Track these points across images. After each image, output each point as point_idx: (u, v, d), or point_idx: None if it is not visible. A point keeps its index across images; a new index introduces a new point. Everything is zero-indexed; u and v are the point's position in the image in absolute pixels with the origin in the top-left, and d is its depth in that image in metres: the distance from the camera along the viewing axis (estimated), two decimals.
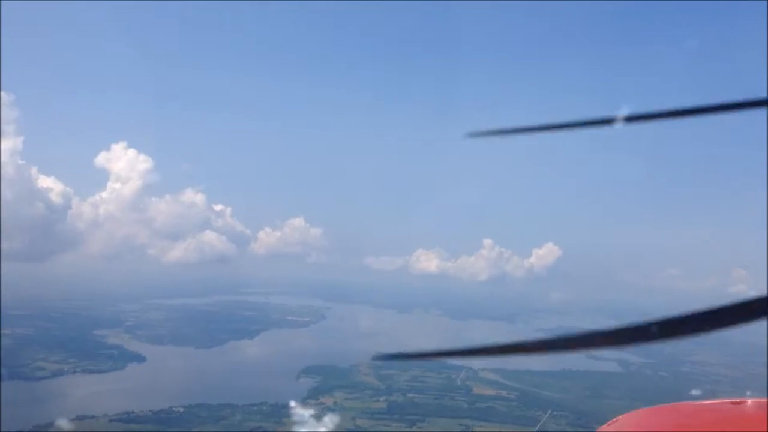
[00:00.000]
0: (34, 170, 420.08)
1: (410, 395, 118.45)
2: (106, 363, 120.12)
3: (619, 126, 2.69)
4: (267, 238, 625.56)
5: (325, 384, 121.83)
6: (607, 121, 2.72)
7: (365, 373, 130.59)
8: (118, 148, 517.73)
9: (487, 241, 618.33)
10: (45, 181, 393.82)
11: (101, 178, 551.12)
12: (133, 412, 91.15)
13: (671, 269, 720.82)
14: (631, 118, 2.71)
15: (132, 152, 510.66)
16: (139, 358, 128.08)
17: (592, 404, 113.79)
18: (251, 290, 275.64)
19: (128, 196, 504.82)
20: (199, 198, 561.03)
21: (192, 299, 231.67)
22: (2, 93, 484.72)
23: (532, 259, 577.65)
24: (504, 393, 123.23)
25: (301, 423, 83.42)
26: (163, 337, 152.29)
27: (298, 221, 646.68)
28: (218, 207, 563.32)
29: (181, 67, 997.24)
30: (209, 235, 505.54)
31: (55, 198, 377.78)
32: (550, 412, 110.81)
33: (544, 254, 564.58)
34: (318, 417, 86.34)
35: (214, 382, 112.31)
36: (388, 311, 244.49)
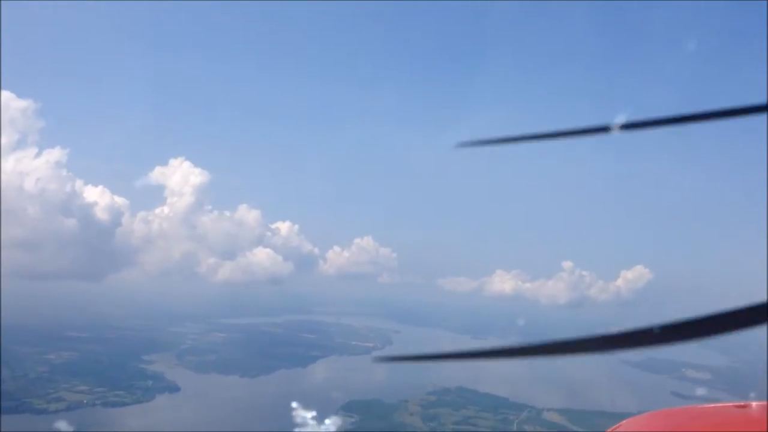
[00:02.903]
0: (79, 183, 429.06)
1: None
2: (136, 394, 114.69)
3: (615, 134, 2.65)
4: (336, 257, 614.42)
5: (362, 425, 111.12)
6: (603, 129, 2.67)
7: (412, 412, 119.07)
8: (177, 163, 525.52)
9: (567, 263, 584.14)
10: (94, 194, 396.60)
11: (159, 193, 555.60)
12: None
13: None
14: (628, 126, 2.65)
15: (193, 168, 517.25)
16: (174, 389, 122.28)
17: None
18: (324, 309, 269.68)
19: (189, 212, 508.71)
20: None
21: (261, 318, 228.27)
22: (29, 101, 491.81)
23: (619, 282, 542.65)
24: None
25: (303, 425, 77.27)
26: (211, 364, 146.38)
27: (367, 240, 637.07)
28: (285, 224, 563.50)
29: (246, 80, 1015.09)
30: (273, 254, 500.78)
31: (109, 213, 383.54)
32: None
33: (633, 277, 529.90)
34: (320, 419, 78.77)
35: (235, 420, 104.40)
36: (460, 336, 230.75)
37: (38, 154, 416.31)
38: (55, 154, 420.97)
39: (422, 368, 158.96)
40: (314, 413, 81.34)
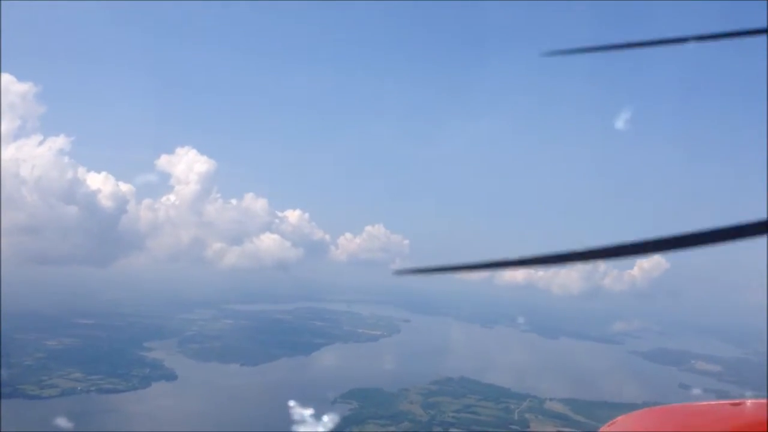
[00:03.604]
0: (83, 170, 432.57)
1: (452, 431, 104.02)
2: (132, 381, 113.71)
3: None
4: (348, 244, 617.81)
5: (361, 412, 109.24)
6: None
7: (412, 401, 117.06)
8: (184, 151, 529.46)
9: None
10: (98, 181, 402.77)
11: (166, 181, 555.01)
12: None
13: None
14: (620, 46, 2.70)
15: (199, 157, 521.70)
16: (171, 377, 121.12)
17: None
18: (335, 297, 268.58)
19: (196, 199, 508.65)
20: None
21: (272, 305, 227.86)
22: (27, 84, 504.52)
23: (635, 272, 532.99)
24: None
25: (301, 422, 77.56)
26: (213, 352, 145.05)
27: (378, 227, 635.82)
28: (296, 212, 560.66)
29: (255, 69, 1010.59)
30: (281, 240, 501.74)
31: (114, 199, 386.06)
32: None
33: (650, 267, 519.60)
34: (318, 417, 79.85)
35: (228, 409, 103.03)
36: (469, 325, 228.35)
37: (42, 142, 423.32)
38: (59, 141, 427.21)
39: (428, 357, 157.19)
40: (312, 411, 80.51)
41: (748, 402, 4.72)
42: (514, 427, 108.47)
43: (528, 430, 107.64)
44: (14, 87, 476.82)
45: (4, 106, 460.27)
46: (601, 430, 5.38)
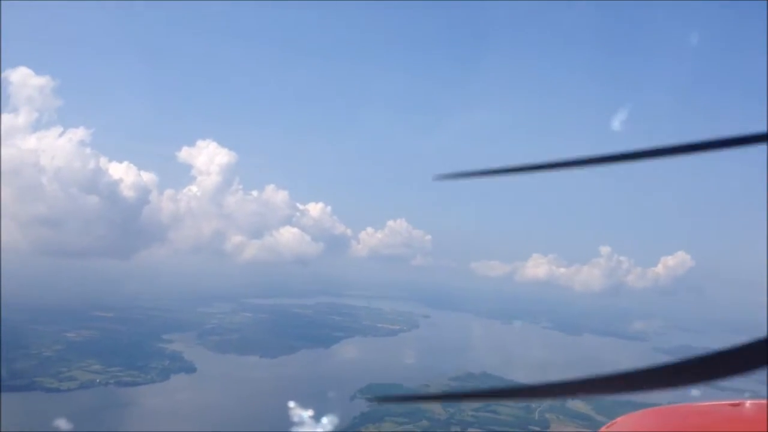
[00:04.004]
0: (104, 160, 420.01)
1: (470, 431, 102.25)
2: (150, 373, 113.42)
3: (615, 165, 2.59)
4: (369, 238, 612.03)
5: (378, 409, 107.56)
6: (604, 159, 2.59)
7: None
8: (205, 144, 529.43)
9: (605, 248, 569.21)
10: (120, 171, 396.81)
11: (187, 173, 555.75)
12: None
13: None
14: (626, 157, 2.55)
15: (221, 149, 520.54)
16: (190, 369, 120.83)
17: None
18: (356, 292, 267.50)
19: (217, 191, 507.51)
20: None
21: (292, 299, 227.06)
22: (45, 78, 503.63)
23: (659, 269, 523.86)
24: None
25: (300, 423, 73.37)
26: (232, 344, 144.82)
27: (400, 222, 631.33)
28: (318, 205, 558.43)
29: (280, 62, 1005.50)
30: (301, 234, 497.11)
31: (136, 190, 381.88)
32: None
33: (675, 264, 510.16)
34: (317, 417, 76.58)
35: (248, 402, 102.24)
36: (490, 321, 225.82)
37: (62, 133, 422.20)
38: (79, 132, 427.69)
39: (448, 353, 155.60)
40: (312, 412, 79.68)
41: (748, 402, 4.65)
42: (533, 427, 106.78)
43: (548, 430, 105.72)
44: (32, 80, 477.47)
45: (22, 99, 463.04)
46: (600, 430, 5.36)
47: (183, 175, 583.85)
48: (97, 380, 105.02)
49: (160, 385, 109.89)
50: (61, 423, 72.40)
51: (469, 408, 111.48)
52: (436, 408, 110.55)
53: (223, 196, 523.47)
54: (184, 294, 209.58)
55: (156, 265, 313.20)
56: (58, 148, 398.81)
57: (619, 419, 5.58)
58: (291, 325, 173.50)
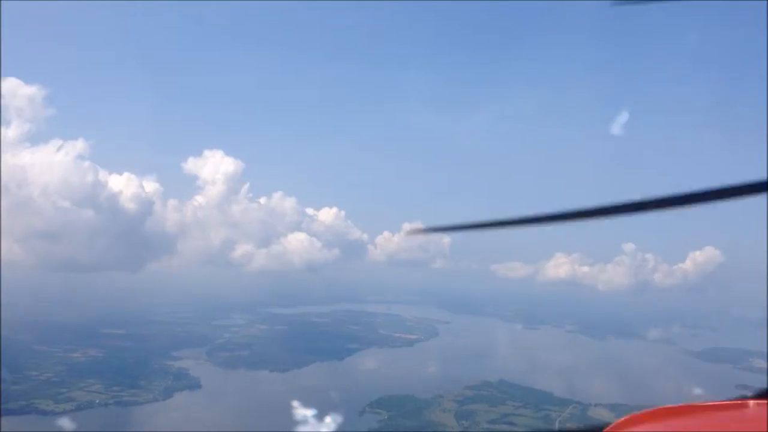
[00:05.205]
0: (103, 172, 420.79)
1: None
2: (153, 392, 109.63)
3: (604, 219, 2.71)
4: (386, 243, 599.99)
5: (389, 424, 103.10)
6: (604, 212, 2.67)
7: (445, 409, 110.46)
8: (212, 154, 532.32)
9: (629, 246, 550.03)
10: (121, 183, 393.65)
11: (192, 183, 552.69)
12: None
13: None
14: (620, 209, 2.62)
15: (227, 158, 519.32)
16: (194, 386, 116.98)
17: None
18: (375, 298, 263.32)
19: (226, 200, 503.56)
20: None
21: (309, 307, 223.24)
22: (35, 87, 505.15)
23: (687, 265, 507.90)
24: None
25: (303, 423, 76.90)
26: (242, 359, 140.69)
27: (417, 226, 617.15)
28: (332, 210, 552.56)
29: (283, 67, 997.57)
30: (314, 240, 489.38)
31: (140, 202, 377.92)
32: None
33: (704, 259, 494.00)
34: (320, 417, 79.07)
35: (250, 419, 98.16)
36: (511, 325, 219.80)
37: (60, 147, 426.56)
38: (78, 145, 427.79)
39: (466, 361, 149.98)
40: (314, 411, 76.90)
41: (752, 402, 4.50)
42: None
43: None
44: (21, 90, 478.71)
45: (12, 111, 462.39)
46: (606, 430, 4.98)
47: (189, 184, 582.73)
48: (97, 401, 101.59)
49: (161, 403, 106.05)
50: None
51: (484, 419, 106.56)
52: (449, 421, 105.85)
53: (231, 205, 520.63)
54: (201, 305, 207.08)
55: (168, 278, 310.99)
56: (55, 162, 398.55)
57: (623, 419, 5.07)
58: (306, 335, 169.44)
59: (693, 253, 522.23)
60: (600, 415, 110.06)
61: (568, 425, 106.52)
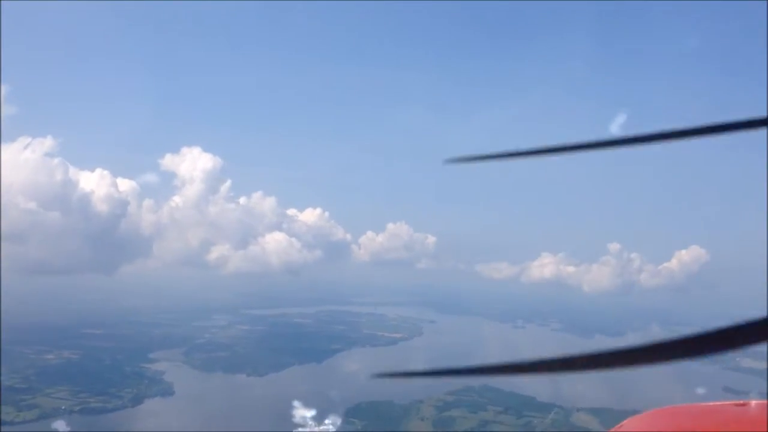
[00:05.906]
0: (73, 170, 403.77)
1: None
2: (123, 398, 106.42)
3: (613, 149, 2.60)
4: (370, 243, 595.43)
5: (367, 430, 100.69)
6: (601, 144, 2.59)
7: (423, 417, 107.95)
8: (189, 150, 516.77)
9: (614, 245, 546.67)
10: (95, 183, 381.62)
11: (170, 181, 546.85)
12: None
13: None
14: (625, 141, 2.54)
15: (205, 155, 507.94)
16: (167, 392, 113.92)
17: None
18: (361, 299, 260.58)
19: (204, 200, 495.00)
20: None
21: (292, 309, 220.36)
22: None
23: (673, 264, 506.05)
24: None
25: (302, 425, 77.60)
26: (220, 362, 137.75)
27: (401, 225, 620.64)
28: (315, 211, 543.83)
29: (275, 61, 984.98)
30: (295, 241, 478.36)
31: (114, 203, 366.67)
32: None
33: (689, 259, 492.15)
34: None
35: (222, 427, 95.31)
36: (496, 325, 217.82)
37: (28, 145, 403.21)
38: (46, 143, 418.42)
39: (450, 362, 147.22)
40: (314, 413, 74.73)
41: (753, 403, 4.62)
42: None
43: None
44: None
45: None
46: (611, 431, 5.25)
47: (167, 183, 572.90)
48: (63, 407, 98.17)
49: (130, 411, 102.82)
50: None
51: (462, 427, 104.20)
52: (426, 428, 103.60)
53: (209, 205, 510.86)
54: (182, 307, 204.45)
55: (146, 279, 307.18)
56: (21, 160, 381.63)
57: (627, 420, 5.47)
58: (287, 337, 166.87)
59: (679, 251, 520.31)
60: (583, 420, 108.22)
61: None
